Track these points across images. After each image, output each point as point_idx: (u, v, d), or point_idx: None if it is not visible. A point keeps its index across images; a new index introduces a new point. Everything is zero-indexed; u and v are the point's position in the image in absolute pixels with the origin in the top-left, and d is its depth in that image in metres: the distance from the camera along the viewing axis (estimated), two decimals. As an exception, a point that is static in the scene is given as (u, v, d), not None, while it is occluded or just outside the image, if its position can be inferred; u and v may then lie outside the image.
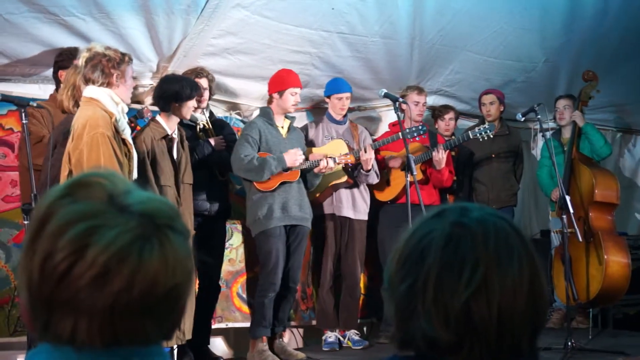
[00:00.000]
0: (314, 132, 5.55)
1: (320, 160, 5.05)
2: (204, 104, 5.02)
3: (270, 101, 5.17)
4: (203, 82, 4.99)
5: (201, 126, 5.03)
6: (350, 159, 5.16)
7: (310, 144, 5.46)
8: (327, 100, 5.62)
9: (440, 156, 5.45)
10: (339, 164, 5.13)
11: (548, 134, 5.63)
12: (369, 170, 5.31)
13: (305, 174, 5.14)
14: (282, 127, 5.15)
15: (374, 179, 5.47)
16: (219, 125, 5.16)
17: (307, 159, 5.24)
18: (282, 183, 4.97)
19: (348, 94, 5.52)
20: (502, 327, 1.07)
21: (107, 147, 3.59)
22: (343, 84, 5.54)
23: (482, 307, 1.06)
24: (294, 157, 4.94)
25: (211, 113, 5.20)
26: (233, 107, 5.79)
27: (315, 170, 5.08)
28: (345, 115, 5.61)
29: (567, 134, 6.10)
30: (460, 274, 1.07)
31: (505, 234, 1.12)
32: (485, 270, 1.07)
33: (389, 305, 1.18)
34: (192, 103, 4.48)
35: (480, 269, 1.07)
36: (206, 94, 5.03)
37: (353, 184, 5.48)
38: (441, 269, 1.08)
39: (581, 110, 5.97)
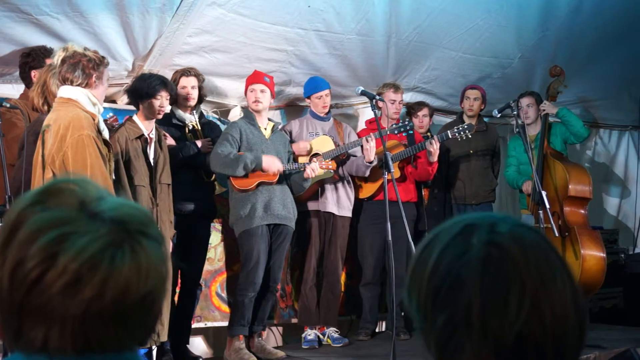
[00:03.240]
0: (297, 130, 5.54)
1: (305, 166, 5.05)
2: (191, 102, 4.98)
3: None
4: (190, 80, 4.95)
5: (190, 127, 5.00)
6: (332, 166, 5.17)
7: (295, 142, 5.45)
8: (307, 101, 5.62)
9: (435, 147, 5.46)
10: (322, 168, 5.12)
11: (515, 128, 5.68)
12: (371, 162, 5.32)
13: (291, 178, 5.13)
14: (265, 129, 5.13)
15: (369, 171, 5.49)
16: (208, 127, 5.13)
17: (294, 159, 5.28)
18: (261, 183, 4.96)
19: (327, 91, 5.53)
20: (558, 349, 1.00)
21: (94, 149, 3.55)
22: (320, 82, 5.55)
23: (536, 333, 0.98)
24: (272, 162, 4.91)
25: (201, 114, 5.16)
26: (211, 105, 5.77)
27: (305, 175, 5.08)
28: (328, 112, 5.62)
29: (532, 131, 6.13)
30: (506, 301, 0.98)
31: (542, 249, 1.03)
32: (532, 294, 0.98)
33: (425, 341, 1.05)
34: (158, 102, 4.42)
35: (527, 292, 0.98)
36: (195, 93, 4.98)
37: (338, 180, 5.50)
38: (485, 298, 0.98)
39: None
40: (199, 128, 5.03)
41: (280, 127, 5.35)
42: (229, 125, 5.19)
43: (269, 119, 5.20)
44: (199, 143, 4.90)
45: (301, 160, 5.37)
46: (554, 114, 6.01)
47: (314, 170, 5.04)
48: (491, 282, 0.99)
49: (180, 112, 4.97)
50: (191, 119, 5.01)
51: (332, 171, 5.28)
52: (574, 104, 7.00)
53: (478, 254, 1.01)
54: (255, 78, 5.13)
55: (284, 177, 5.06)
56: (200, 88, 5.03)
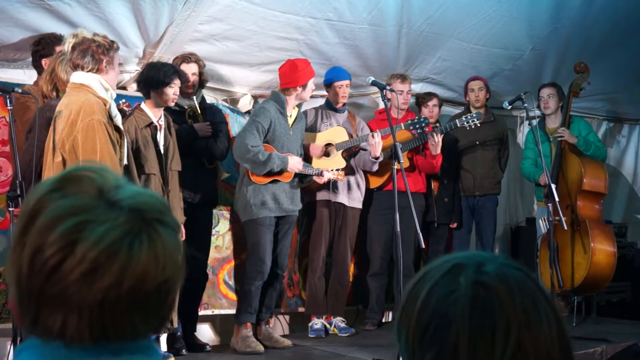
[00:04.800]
0: (312, 119, 5.54)
1: (319, 173, 5.13)
2: (190, 89, 4.96)
3: (287, 93, 5.06)
4: (191, 67, 4.93)
5: (190, 112, 4.98)
6: (341, 177, 5.23)
7: (309, 131, 5.45)
8: (327, 89, 5.61)
9: (437, 140, 5.48)
10: (333, 179, 5.20)
11: (534, 121, 5.66)
12: (377, 157, 5.34)
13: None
14: (290, 117, 5.12)
15: (377, 167, 5.52)
16: (211, 112, 5.11)
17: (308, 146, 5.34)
18: (275, 180, 4.97)
19: (348, 82, 5.53)
20: None
21: (103, 134, 3.56)
22: (343, 72, 5.55)
23: None
24: (295, 164, 4.96)
25: (203, 99, 5.14)
26: (221, 93, 5.75)
27: (317, 180, 5.15)
28: (344, 105, 5.61)
29: (551, 123, 6.11)
30: (493, 340, 0.99)
31: (528, 288, 1.05)
32: (517, 333, 1.00)
33: None
34: (172, 90, 4.42)
35: (513, 332, 1.00)
36: (195, 79, 4.95)
37: (350, 171, 5.50)
38: (472, 336, 1.00)
39: (571, 99, 5.97)
40: (199, 112, 4.99)
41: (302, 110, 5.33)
42: (259, 111, 5.04)
43: (297, 105, 5.18)
44: (197, 127, 4.85)
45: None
46: (573, 143, 5.92)
47: (328, 180, 5.17)
48: (478, 321, 1.00)
49: (179, 98, 4.91)
50: (191, 104, 4.97)
51: (345, 159, 5.40)
52: (590, 97, 6.96)
53: (465, 293, 1.02)
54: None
55: (296, 175, 5.08)
56: (200, 74, 5.01)
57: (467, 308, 1.01)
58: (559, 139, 5.88)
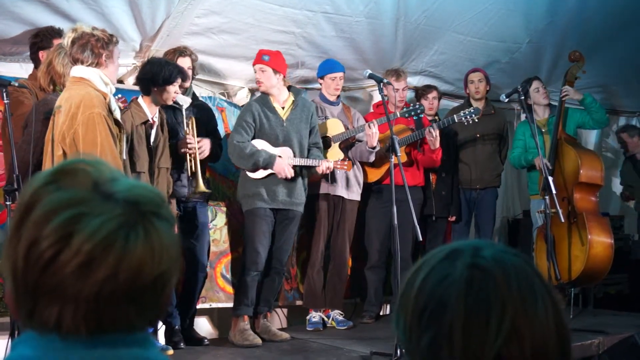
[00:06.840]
0: None
1: (319, 162, 5.07)
2: (187, 84, 4.94)
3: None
4: (186, 61, 4.90)
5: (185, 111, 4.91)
6: (347, 167, 5.20)
7: None
8: (320, 81, 5.59)
9: (435, 134, 5.47)
10: (335, 168, 5.16)
11: (523, 115, 5.64)
12: (374, 147, 5.33)
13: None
14: (283, 108, 5.09)
15: (374, 157, 5.51)
16: (199, 111, 5.06)
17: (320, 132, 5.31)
18: (271, 173, 4.97)
19: (341, 74, 5.52)
20: None
21: (104, 127, 3.57)
22: (336, 63, 5.54)
23: (515, 355, 1.00)
24: (282, 168, 4.92)
25: (194, 95, 5.10)
26: (218, 87, 5.75)
27: (319, 171, 5.11)
28: (338, 97, 5.61)
29: (540, 115, 6.09)
30: (487, 322, 1.00)
31: (525, 273, 1.05)
32: (513, 315, 1.00)
33: None
34: (174, 89, 4.39)
35: (508, 313, 1.00)
36: (190, 73, 4.95)
37: None
38: (467, 318, 1.01)
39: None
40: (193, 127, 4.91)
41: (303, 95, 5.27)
42: (244, 109, 5.15)
43: (290, 89, 5.13)
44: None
45: None
46: (579, 100, 5.93)
47: (329, 169, 5.10)
48: (473, 303, 1.01)
49: None
50: (187, 101, 4.90)
51: (343, 151, 5.39)
52: (586, 89, 6.96)
53: (461, 276, 1.03)
54: (255, 58, 5.06)
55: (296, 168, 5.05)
56: (193, 67, 4.99)
57: (462, 290, 1.02)
58: (563, 98, 5.88)
